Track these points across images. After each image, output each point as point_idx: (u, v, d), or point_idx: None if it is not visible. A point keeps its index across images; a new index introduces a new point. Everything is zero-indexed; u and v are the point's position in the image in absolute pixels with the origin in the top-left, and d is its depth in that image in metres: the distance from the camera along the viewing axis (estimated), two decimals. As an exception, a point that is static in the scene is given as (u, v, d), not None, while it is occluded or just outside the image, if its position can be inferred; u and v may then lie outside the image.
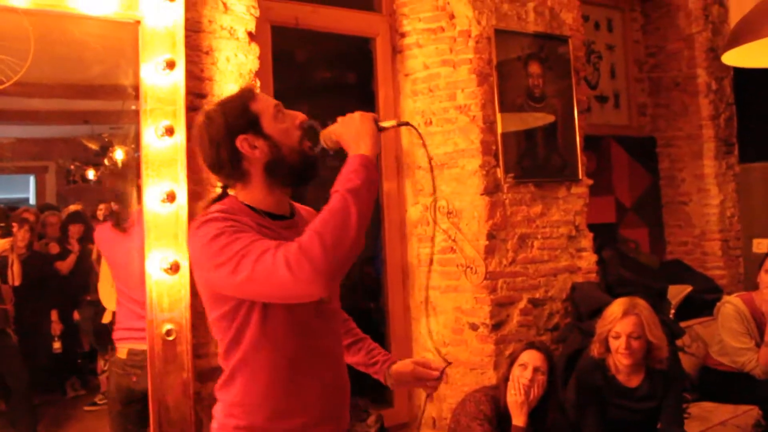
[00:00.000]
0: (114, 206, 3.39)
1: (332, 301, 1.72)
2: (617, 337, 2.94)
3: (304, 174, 1.65)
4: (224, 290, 1.54)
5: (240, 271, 1.42)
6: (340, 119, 1.63)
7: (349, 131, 1.58)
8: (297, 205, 1.79)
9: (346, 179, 1.49)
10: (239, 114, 1.60)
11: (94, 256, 3.74)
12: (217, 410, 1.70)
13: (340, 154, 1.69)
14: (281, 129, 1.62)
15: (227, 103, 1.65)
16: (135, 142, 3.05)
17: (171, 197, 2.62)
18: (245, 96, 1.65)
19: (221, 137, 1.59)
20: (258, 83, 2.99)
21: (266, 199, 1.64)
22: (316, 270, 1.38)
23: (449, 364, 2.01)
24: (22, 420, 3.68)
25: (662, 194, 5.40)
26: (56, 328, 4.50)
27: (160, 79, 2.64)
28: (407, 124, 1.76)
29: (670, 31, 5.28)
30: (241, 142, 1.58)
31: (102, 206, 3.68)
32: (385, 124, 1.65)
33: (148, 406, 2.96)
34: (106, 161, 3.61)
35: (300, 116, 1.66)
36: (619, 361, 2.96)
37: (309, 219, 1.70)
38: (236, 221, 1.52)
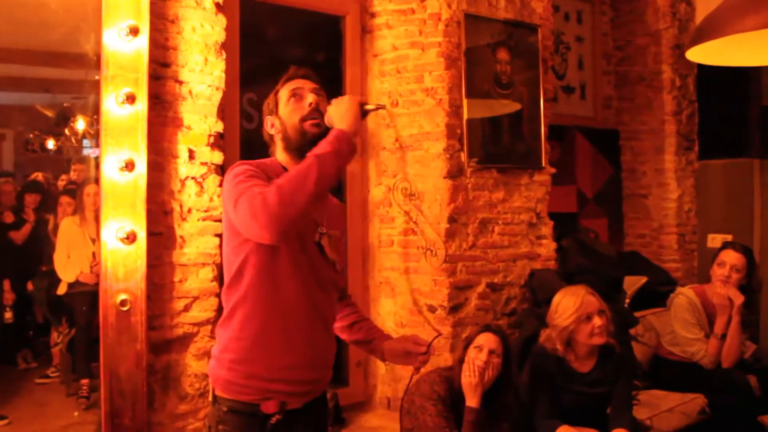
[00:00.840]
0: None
1: (333, 277, 1.99)
2: (589, 319, 2.98)
3: (302, 148, 1.89)
4: (234, 224, 1.79)
5: (236, 208, 1.71)
6: (333, 100, 1.90)
7: (338, 110, 1.85)
8: None
9: (319, 146, 1.76)
10: (270, 100, 2.03)
11: (50, 226, 3.68)
12: (215, 348, 1.95)
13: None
14: (287, 111, 1.95)
15: (270, 91, 2.03)
16: (97, 113, 2.99)
17: (130, 166, 2.58)
18: (278, 85, 2.02)
19: (263, 120, 2.03)
20: (224, 55, 2.95)
21: (291, 166, 1.92)
22: (270, 217, 1.63)
23: (440, 334, 2.27)
24: (-31, 392, 3.61)
25: (623, 186, 5.47)
26: (8, 297, 4.42)
27: (123, 46, 2.59)
28: (383, 107, 1.99)
29: (638, 26, 5.34)
30: (266, 122, 2.01)
31: (64, 177, 3.61)
32: (368, 107, 1.90)
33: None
34: (66, 131, 3.54)
35: (311, 98, 1.95)
36: (594, 342, 3.00)
37: (330, 207, 2.04)
38: (257, 170, 1.83)
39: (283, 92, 1.99)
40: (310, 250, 1.90)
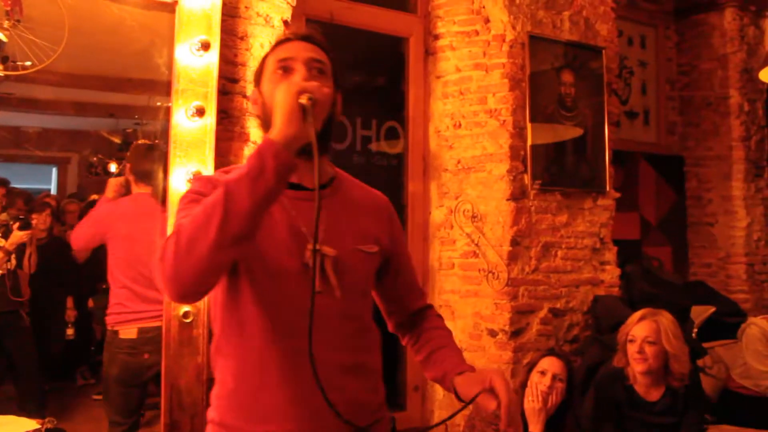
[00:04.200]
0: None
1: (341, 308, 1.42)
2: (633, 341, 2.88)
3: None
4: None
5: None
6: (279, 86, 1.32)
7: (276, 105, 1.26)
8: (357, 186, 1.58)
9: (239, 167, 1.25)
10: (258, 68, 1.50)
11: (110, 244, 3.72)
12: None
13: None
14: (269, 88, 1.41)
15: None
16: (158, 138, 3.05)
17: (197, 179, 2.61)
18: (274, 44, 1.50)
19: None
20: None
21: None
22: (164, 272, 1.18)
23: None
24: (31, 404, 3.66)
25: (688, 214, 5.32)
26: (71, 314, 4.50)
27: (194, 60, 2.64)
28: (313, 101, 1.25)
29: (704, 50, 5.23)
30: (250, 95, 1.49)
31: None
32: (304, 101, 1.23)
33: (147, 389, 2.96)
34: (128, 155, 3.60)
35: (300, 74, 1.40)
36: (634, 368, 2.90)
37: (368, 203, 1.55)
38: (209, 187, 1.32)
39: (270, 60, 1.45)
40: (288, 278, 1.37)
